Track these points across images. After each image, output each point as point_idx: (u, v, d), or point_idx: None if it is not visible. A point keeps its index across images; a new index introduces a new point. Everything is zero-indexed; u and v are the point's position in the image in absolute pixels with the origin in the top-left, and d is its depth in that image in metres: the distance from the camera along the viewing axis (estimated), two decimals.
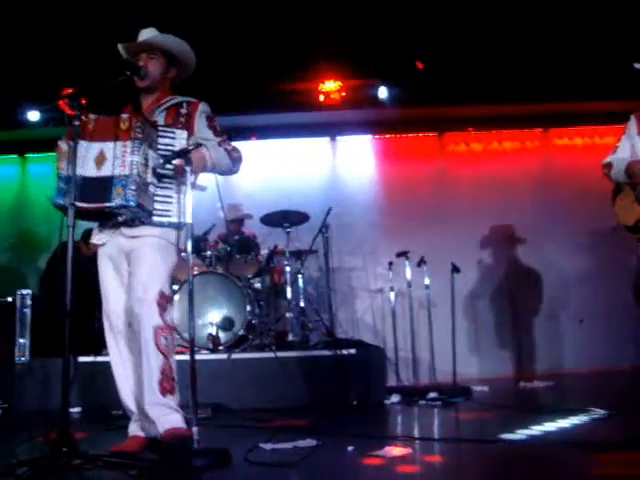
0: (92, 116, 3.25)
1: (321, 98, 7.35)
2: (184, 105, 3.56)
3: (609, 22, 6.24)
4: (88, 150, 3.18)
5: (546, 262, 7.68)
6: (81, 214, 3.20)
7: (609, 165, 4.04)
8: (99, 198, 3.14)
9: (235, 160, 3.57)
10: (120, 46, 3.57)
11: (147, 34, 3.56)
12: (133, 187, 3.10)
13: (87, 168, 3.16)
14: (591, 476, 2.66)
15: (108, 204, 3.12)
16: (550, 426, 3.84)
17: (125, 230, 3.35)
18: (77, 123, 3.16)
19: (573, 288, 7.65)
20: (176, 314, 3.36)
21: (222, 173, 3.59)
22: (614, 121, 5.18)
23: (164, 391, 3.20)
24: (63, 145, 3.26)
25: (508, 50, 6.74)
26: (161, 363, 3.21)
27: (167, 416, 3.20)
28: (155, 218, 3.30)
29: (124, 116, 3.20)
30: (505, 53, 6.78)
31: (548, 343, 7.64)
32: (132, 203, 3.10)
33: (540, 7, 6.28)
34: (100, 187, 3.14)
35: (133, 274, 3.31)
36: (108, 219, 3.33)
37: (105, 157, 3.17)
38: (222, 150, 3.50)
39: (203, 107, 3.59)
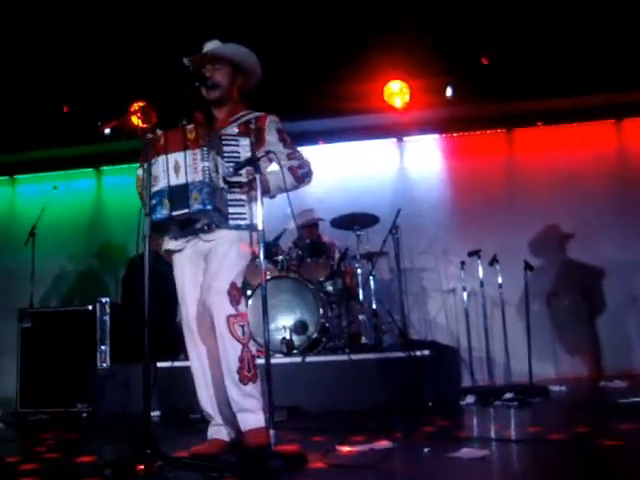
0: (159, 131, 3.34)
1: (387, 99, 7.34)
2: (252, 121, 3.62)
3: None
4: (165, 163, 3.28)
5: (623, 256, 7.47)
6: (167, 226, 3.33)
7: None
8: (179, 205, 3.24)
9: (299, 179, 3.61)
10: (186, 60, 3.67)
11: (211, 45, 3.64)
12: (208, 191, 3.19)
13: (171, 178, 3.27)
14: None
15: (187, 210, 3.22)
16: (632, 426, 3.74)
17: (204, 236, 3.43)
18: (150, 136, 3.27)
19: None
20: (250, 319, 3.41)
21: (287, 191, 3.58)
22: None
23: (245, 379, 3.25)
24: (139, 171, 3.46)
25: (573, 41, 6.60)
26: (239, 351, 3.25)
27: (248, 413, 3.26)
28: (230, 222, 3.36)
29: (189, 126, 3.29)
30: (570, 44, 6.64)
31: (625, 342, 7.43)
32: (209, 207, 3.19)
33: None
34: (179, 194, 3.23)
35: (209, 269, 3.39)
36: (188, 227, 3.41)
37: (180, 166, 3.26)
38: (287, 170, 3.53)
39: (271, 120, 3.64)
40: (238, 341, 3.26)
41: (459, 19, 6.49)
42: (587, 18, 6.39)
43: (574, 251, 7.70)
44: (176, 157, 3.27)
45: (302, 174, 3.63)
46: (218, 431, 3.46)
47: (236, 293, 3.33)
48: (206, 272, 3.41)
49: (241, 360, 3.25)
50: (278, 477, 2.85)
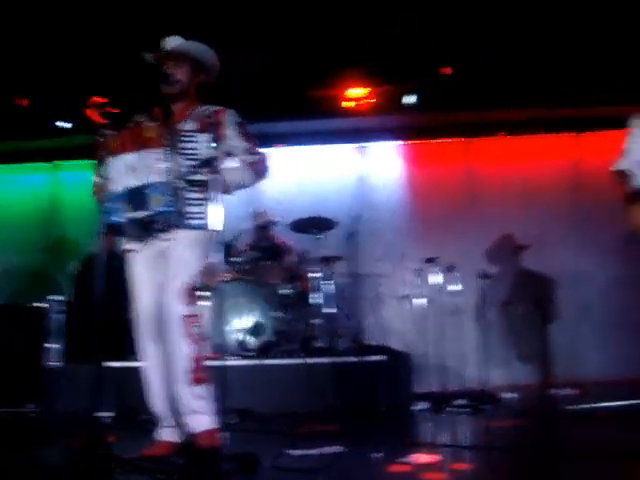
0: (110, 132, 3.25)
1: (348, 104, 7.35)
2: (210, 115, 3.58)
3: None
4: (123, 163, 3.23)
5: (576, 269, 7.58)
6: (124, 228, 3.28)
7: (626, 173, 3.82)
8: (138, 207, 3.20)
9: (259, 173, 3.60)
10: (147, 55, 3.63)
11: (172, 42, 3.61)
12: (168, 192, 3.15)
13: (129, 179, 3.22)
14: None
15: (147, 213, 3.18)
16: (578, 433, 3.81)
17: (161, 235, 3.38)
18: (107, 132, 3.21)
19: (604, 294, 7.55)
20: (206, 321, 3.39)
21: (246, 187, 3.59)
22: None
23: (196, 380, 3.22)
24: (96, 179, 3.37)
25: (536, 53, 6.68)
26: (191, 351, 3.22)
27: (199, 415, 3.22)
28: (189, 221, 3.32)
29: (149, 124, 3.25)
30: (533, 56, 6.72)
31: (576, 350, 7.56)
32: (170, 208, 3.15)
33: (571, 12, 6.23)
34: (138, 197, 3.19)
35: (167, 270, 3.35)
36: (147, 228, 3.35)
37: (139, 167, 3.21)
38: (246, 166, 3.52)
39: (230, 114, 3.61)
40: (192, 341, 3.23)
41: (423, 27, 6.53)
42: (551, 33, 6.48)
43: (530, 261, 7.80)
44: (135, 157, 3.23)
45: (261, 169, 3.61)
46: (169, 432, 3.41)
47: (191, 294, 3.30)
48: (163, 272, 3.36)
49: (193, 360, 3.22)
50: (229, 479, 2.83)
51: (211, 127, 3.51)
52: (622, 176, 3.89)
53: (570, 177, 8.05)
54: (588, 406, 4.92)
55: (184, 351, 3.22)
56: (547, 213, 7.66)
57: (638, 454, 3.08)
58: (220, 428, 3.13)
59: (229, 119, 3.59)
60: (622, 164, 3.89)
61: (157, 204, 3.13)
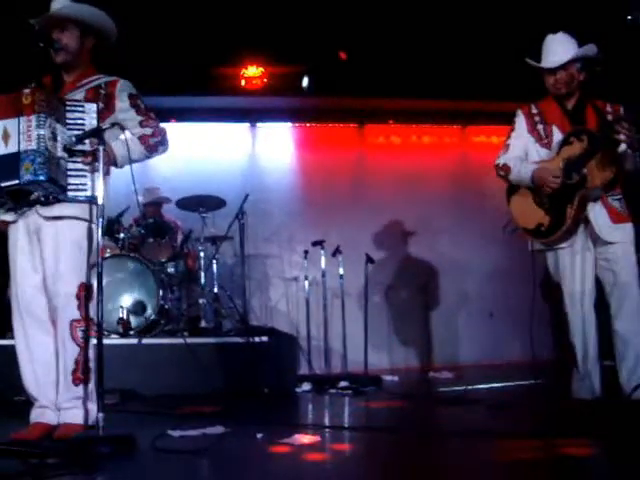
0: None
1: (243, 83, 7.27)
2: (103, 85, 3.43)
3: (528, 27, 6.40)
4: None
5: (458, 256, 7.85)
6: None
7: (505, 167, 4.00)
8: (9, 176, 3.04)
9: (151, 148, 3.47)
10: (33, 20, 3.42)
11: (58, 5, 3.42)
12: (41, 161, 3.00)
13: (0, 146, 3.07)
14: (493, 462, 2.74)
15: (17, 181, 3.02)
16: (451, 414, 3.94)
17: (40, 209, 3.23)
18: None
19: (483, 282, 7.85)
20: None
21: (136, 161, 3.44)
22: None
23: (77, 381, 3.19)
24: None
25: (430, 46, 6.82)
26: (76, 354, 3.18)
27: (70, 410, 3.18)
28: (69, 193, 3.18)
29: (26, 90, 3.09)
30: (427, 48, 6.86)
31: (457, 335, 7.84)
32: (42, 177, 3.00)
33: (464, 7, 6.39)
34: (8, 164, 3.03)
35: (52, 264, 3.22)
36: (22, 198, 3.20)
37: (10, 134, 3.06)
38: (137, 140, 3.41)
39: (123, 85, 3.47)
40: (77, 345, 3.19)
41: (322, 11, 6.53)
42: (444, 28, 6.63)
43: (414, 247, 8.00)
44: (6, 124, 3.08)
45: (155, 142, 3.47)
46: (42, 413, 3.27)
47: (85, 293, 3.23)
48: (50, 266, 3.22)
49: (76, 363, 3.19)
50: (104, 462, 2.74)
51: (102, 97, 3.38)
52: (502, 170, 4.05)
53: (456, 168, 8.30)
54: (462, 388, 5.11)
55: (69, 352, 3.19)
56: (433, 202, 7.87)
57: (501, 433, 3.23)
58: (91, 425, 3.06)
59: (121, 90, 3.45)
60: (502, 158, 4.06)
61: (27, 172, 2.98)
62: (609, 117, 3.77)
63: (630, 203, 3.88)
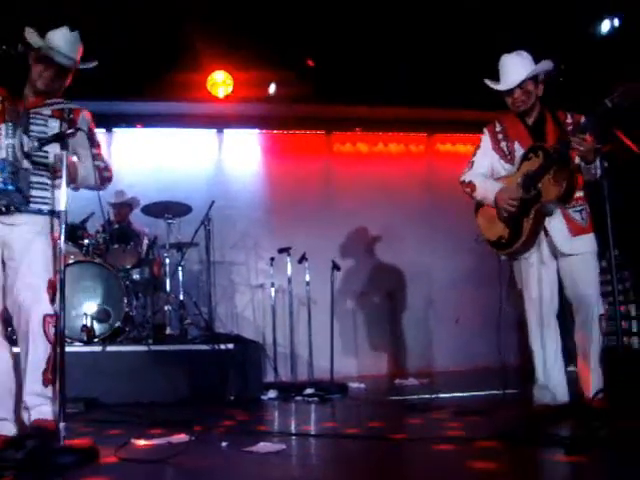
0: None
1: (210, 89, 7.25)
2: (67, 111, 3.42)
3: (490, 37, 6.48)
4: None
5: (424, 263, 7.90)
6: None
7: (471, 185, 4.10)
8: None
9: (103, 180, 3.51)
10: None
11: (60, 40, 3.34)
12: (11, 170, 3.00)
13: None
14: (457, 467, 2.76)
15: None
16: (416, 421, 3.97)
17: (2, 218, 3.21)
18: None
19: (449, 290, 7.91)
20: None
21: (86, 188, 3.48)
22: None
23: (47, 382, 3.15)
24: None
25: (397, 54, 6.87)
26: (48, 353, 3.15)
27: (41, 407, 3.14)
28: (32, 205, 3.20)
29: None
30: (394, 57, 6.91)
31: (423, 342, 7.89)
32: (11, 187, 3.02)
33: (430, 16, 6.45)
34: None
35: (20, 262, 3.19)
36: None
37: None
38: (93, 167, 3.40)
39: (85, 116, 3.49)
40: (49, 342, 3.15)
41: (289, 19, 6.54)
42: (410, 37, 6.68)
43: (381, 254, 8.04)
44: None
45: (105, 177, 3.53)
46: (1, 425, 3.22)
47: (53, 291, 3.20)
48: (13, 262, 3.21)
49: (48, 362, 3.15)
50: (65, 473, 2.70)
51: (65, 121, 3.38)
52: (468, 187, 4.13)
53: (422, 176, 8.37)
54: (428, 396, 5.14)
55: (41, 351, 3.15)
56: (399, 209, 7.92)
57: (465, 439, 3.27)
58: (60, 426, 3.01)
59: (82, 120, 3.47)
60: (467, 175, 4.15)
61: None
62: (569, 128, 3.84)
63: (592, 213, 3.95)
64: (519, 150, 4.00)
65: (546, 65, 3.97)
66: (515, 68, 3.95)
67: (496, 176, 4.11)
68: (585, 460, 2.75)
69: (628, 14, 6.31)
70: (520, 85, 3.92)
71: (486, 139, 4.17)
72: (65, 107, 3.44)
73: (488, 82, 4.05)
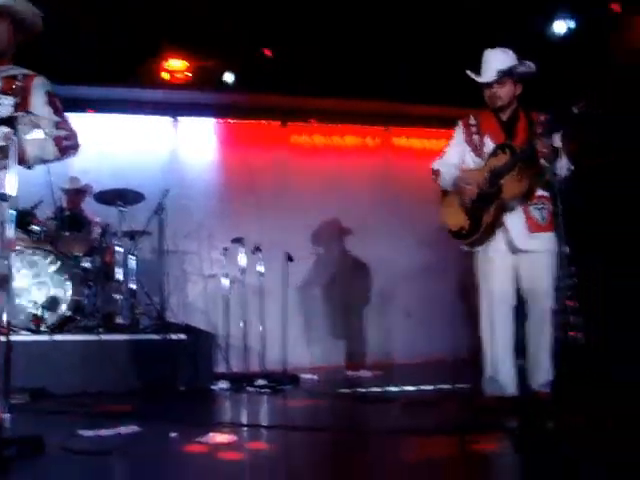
0: None
1: (165, 76, 7.15)
2: (19, 77, 3.28)
3: (451, 31, 6.52)
4: None
5: (379, 256, 7.92)
6: None
7: (437, 172, 4.22)
8: None
9: (65, 150, 3.35)
10: None
11: None
12: None
13: None
14: (406, 458, 2.78)
15: None
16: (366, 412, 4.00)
17: None
18: None
19: (403, 282, 7.95)
20: None
21: (47, 162, 3.35)
22: (448, 125, 5.45)
23: None
24: None
25: (355, 46, 6.86)
26: None
27: None
28: None
29: None
30: (352, 48, 6.90)
31: (377, 334, 7.93)
32: None
33: (389, 8, 6.45)
34: None
35: None
36: None
37: None
38: (51, 140, 3.26)
39: (40, 81, 3.35)
40: None
41: (247, 6, 6.49)
42: (367, 30, 6.68)
43: (335, 246, 8.05)
44: None
45: (67, 146, 3.35)
46: None
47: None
48: None
49: None
50: (10, 465, 2.65)
51: (17, 90, 3.24)
52: (435, 174, 4.21)
53: (378, 168, 8.39)
54: (380, 389, 5.18)
55: None
56: (354, 201, 7.92)
57: (413, 430, 3.31)
58: (4, 417, 2.94)
59: (38, 86, 3.33)
60: (436, 164, 4.24)
61: None
62: (539, 130, 3.90)
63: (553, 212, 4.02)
64: (489, 144, 4.08)
65: (528, 66, 4.04)
66: (496, 63, 4.02)
67: (465, 168, 4.19)
68: (531, 452, 2.81)
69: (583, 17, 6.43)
70: (499, 80, 3.99)
71: (459, 131, 4.26)
72: (16, 73, 3.30)
73: (470, 73, 4.11)
